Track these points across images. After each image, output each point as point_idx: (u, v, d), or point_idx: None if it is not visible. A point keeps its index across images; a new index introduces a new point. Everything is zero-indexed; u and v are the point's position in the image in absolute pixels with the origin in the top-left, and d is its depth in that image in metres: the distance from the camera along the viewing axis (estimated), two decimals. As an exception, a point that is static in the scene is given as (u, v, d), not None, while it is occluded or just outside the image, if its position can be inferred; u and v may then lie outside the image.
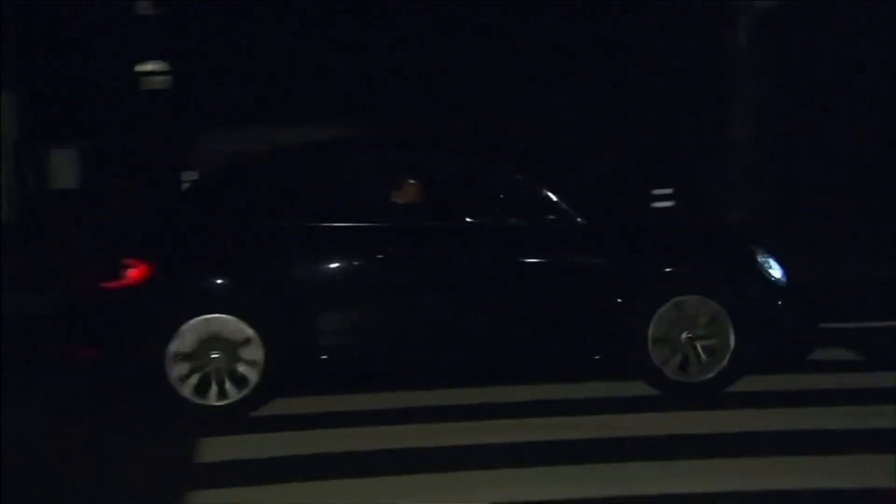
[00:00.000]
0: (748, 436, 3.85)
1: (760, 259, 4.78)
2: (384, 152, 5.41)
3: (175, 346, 4.30)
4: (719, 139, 9.66)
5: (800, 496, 3.16)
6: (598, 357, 4.62)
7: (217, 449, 3.93)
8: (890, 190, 10.96)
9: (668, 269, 4.71)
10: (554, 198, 4.62)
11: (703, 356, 4.43)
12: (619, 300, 4.50)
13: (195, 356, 4.32)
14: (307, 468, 3.60)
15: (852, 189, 10.99)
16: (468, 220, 4.71)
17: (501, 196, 4.83)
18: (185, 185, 9.36)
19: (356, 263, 4.62)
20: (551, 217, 4.60)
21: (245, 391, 4.37)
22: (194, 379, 4.31)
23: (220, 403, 4.36)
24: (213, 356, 4.34)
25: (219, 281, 4.61)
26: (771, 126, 9.59)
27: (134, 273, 4.40)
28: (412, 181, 4.78)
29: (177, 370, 4.30)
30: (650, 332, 4.42)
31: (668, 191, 9.87)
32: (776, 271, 4.76)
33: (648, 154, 12.98)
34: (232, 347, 4.35)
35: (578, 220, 4.59)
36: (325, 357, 4.60)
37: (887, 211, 10.20)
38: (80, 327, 4.63)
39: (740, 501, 3.14)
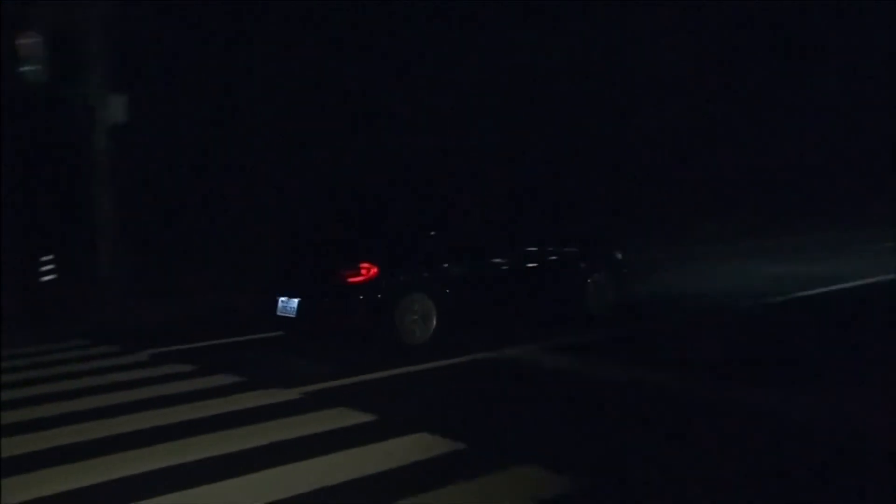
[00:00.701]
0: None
1: (618, 253, 10.22)
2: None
3: (397, 313, 7.91)
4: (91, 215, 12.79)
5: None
6: (565, 304, 9.52)
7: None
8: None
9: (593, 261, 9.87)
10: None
11: (600, 294, 9.63)
12: (577, 276, 9.52)
13: (407, 317, 8.01)
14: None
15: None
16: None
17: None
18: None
19: (474, 264, 8.78)
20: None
21: (430, 333, 8.18)
22: (410, 329, 8.05)
23: (420, 342, 8.09)
24: (415, 317, 8.08)
25: (415, 275, 8.31)
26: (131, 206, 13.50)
27: (367, 272, 7.88)
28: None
29: (401, 326, 7.97)
30: (588, 287, 9.54)
31: (50, 257, 14.24)
32: (621, 255, 10.17)
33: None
34: (423, 310, 8.13)
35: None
36: (463, 312, 8.51)
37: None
38: (338, 306, 8.05)
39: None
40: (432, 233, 8.96)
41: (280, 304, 8.36)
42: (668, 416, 5.37)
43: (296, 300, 8.20)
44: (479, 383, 6.79)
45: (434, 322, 8.13)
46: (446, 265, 8.47)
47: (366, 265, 7.89)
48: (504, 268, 8.93)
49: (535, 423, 5.28)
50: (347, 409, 5.59)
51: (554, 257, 9.40)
